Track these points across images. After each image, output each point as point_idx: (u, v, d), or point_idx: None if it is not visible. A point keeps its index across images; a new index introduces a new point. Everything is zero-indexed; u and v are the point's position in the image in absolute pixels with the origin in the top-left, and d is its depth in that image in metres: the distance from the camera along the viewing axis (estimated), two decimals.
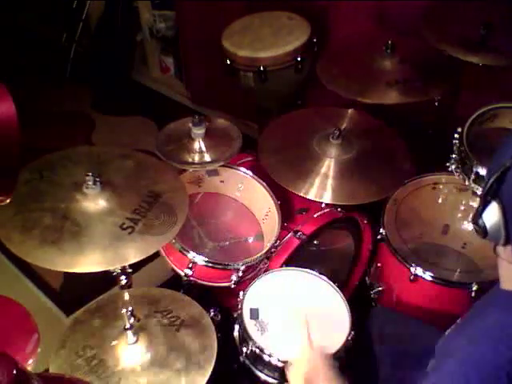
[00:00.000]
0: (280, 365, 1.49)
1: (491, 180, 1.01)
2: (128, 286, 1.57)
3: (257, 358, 1.54)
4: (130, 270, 1.54)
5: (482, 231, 1.06)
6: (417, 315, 1.84)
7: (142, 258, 1.42)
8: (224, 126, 2.08)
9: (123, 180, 1.56)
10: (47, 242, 1.36)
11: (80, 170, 1.53)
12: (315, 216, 1.96)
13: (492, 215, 1.03)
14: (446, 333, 1.24)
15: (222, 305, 1.87)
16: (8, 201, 1.22)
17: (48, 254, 1.35)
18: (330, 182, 1.86)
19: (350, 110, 2.11)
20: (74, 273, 1.37)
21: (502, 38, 1.97)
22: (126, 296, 1.44)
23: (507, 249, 1.06)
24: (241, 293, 1.65)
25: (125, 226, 1.44)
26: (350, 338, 1.54)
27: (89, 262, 1.38)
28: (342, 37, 2.57)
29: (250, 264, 1.80)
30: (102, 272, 1.39)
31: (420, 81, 2.09)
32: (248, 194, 2.09)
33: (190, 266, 1.78)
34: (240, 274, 1.80)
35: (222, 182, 2.10)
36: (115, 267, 1.42)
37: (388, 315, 1.77)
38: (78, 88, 3.68)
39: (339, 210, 1.97)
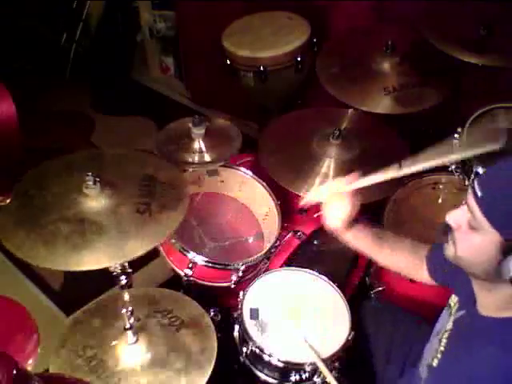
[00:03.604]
0: (280, 365, 1.49)
1: None
2: (128, 285, 1.57)
3: (257, 358, 1.54)
4: (129, 270, 1.54)
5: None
6: (416, 315, 1.84)
7: (172, 230, 1.43)
8: (224, 126, 2.08)
9: (114, 173, 1.55)
10: (79, 247, 1.35)
11: (67, 176, 1.52)
12: (315, 216, 1.96)
13: None
14: (434, 364, 1.24)
15: (222, 305, 1.87)
16: (8, 201, 1.22)
17: (88, 256, 1.34)
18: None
19: (350, 110, 2.11)
20: (74, 273, 1.36)
21: (502, 38, 1.97)
22: (126, 296, 1.44)
23: None
24: (241, 293, 1.65)
25: (141, 210, 1.44)
26: (350, 338, 1.54)
27: (131, 249, 1.36)
28: (341, 36, 2.57)
29: (249, 264, 1.80)
30: (102, 271, 1.39)
31: (418, 86, 2.09)
32: (248, 194, 2.09)
33: (190, 265, 1.78)
34: (240, 274, 1.80)
35: (222, 181, 2.10)
36: (157, 244, 1.43)
37: (378, 309, 1.77)
38: (78, 88, 3.67)
39: None
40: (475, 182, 1.06)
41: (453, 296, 1.29)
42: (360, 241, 1.53)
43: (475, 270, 1.10)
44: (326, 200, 1.49)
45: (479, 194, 1.03)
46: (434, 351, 1.24)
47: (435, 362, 1.23)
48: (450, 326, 1.23)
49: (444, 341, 1.22)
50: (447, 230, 1.15)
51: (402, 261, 1.50)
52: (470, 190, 1.06)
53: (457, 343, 1.19)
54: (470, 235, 1.06)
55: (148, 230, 1.40)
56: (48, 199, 1.46)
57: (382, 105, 2.06)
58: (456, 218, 1.11)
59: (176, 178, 1.61)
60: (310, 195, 1.57)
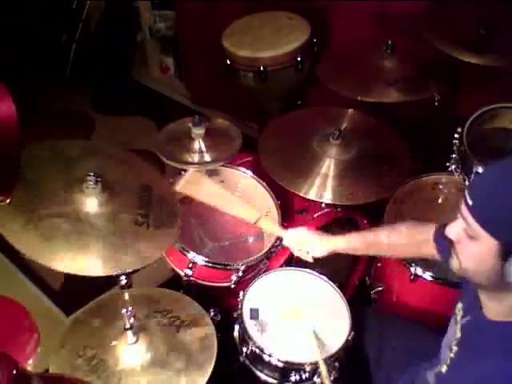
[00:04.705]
0: (280, 365, 1.49)
1: None
2: (128, 286, 1.57)
3: (257, 358, 1.54)
4: (129, 270, 1.54)
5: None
6: (417, 315, 1.84)
7: (168, 244, 1.49)
8: (224, 126, 2.08)
9: (114, 177, 1.56)
10: (77, 249, 1.36)
11: (62, 165, 1.52)
12: (315, 216, 1.96)
13: None
14: (443, 370, 1.24)
15: (222, 305, 1.87)
16: (8, 201, 1.22)
17: (84, 261, 1.36)
18: (329, 182, 1.86)
19: (349, 110, 2.11)
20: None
21: (502, 38, 1.97)
22: (126, 296, 1.44)
23: None
24: (241, 293, 1.65)
25: (139, 222, 1.46)
26: (350, 338, 1.54)
27: (127, 261, 1.38)
28: (342, 37, 2.57)
29: (249, 264, 1.80)
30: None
31: (419, 79, 2.09)
32: (248, 194, 2.09)
33: (190, 266, 1.78)
34: (240, 273, 1.80)
35: (222, 181, 2.10)
36: (158, 258, 1.46)
37: (378, 319, 1.77)
38: (78, 88, 3.67)
39: (339, 209, 1.97)
40: (465, 192, 1.07)
41: (458, 304, 1.29)
42: (353, 251, 1.60)
43: (481, 279, 1.10)
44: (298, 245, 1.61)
45: (470, 202, 1.05)
46: (444, 359, 1.25)
47: (444, 369, 1.23)
48: (458, 334, 1.22)
49: (454, 348, 1.21)
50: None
51: (403, 251, 1.54)
52: (462, 201, 1.07)
53: (466, 349, 1.18)
54: (470, 245, 1.07)
55: (145, 244, 1.42)
56: (46, 187, 1.45)
57: (386, 95, 2.06)
58: (454, 230, 1.12)
59: (169, 194, 1.64)
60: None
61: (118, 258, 1.37)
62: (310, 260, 1.59)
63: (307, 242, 1.58)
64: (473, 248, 1.06)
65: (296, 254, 1.62)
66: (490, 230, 1.01)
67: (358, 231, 1.61)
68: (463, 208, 1.06)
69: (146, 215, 1.47)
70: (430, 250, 1.44)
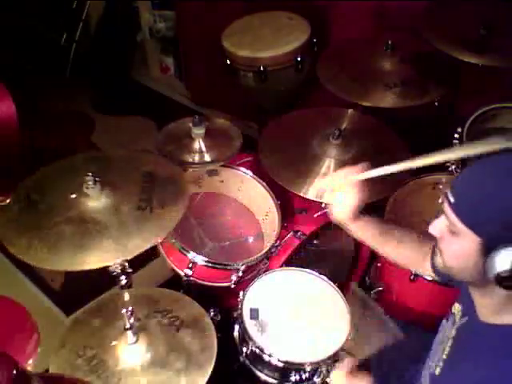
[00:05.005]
0: (280, 365, 1.49)
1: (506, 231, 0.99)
2: (128, 285, 1.57)
3: (257, 358, 1.54)
4: (130, 270, 1.54)
5: (499, 281, 1.03)
6: (416, 315, 1.84)
7: (174, 225, 1.46)
8: (224, 126, 2.08)
9: (114, 173, 1.57)
10: (83, 247, 1.37)
11: (65, 179, 1.55)
12: (315, 216, 1.96)
13: (506, 260, 1.01)
14: (437, 373, 1.24)
15: (222, 305, 1.88)
16: (8, 201, 1.22)
17: (92, 255, 1.36)
18: None
19: (349, 110, 2.11)
20: (74, 273, 1.37)
21: (502, 38, 1.97)
22: (126, 296, 1.44)
23: None
24: (241, 293, 1.65)
25: (143, 207, 1.47)
26: (349, 338, 1.54)
27: (134, 245, 1.39)
28: (342, 37, 2.58)
29: (249, 264, 1.80)
30: (102, 271, 1.39)
31: (419, 83, 2.09)
32: (248, 194, 2.09)
33: (190, 266, 1.78)
34: (240, 273, 1.80)
35: (221, 181, 2.10)
36: (159, 240, 1.46)
37: None
38: (78, 88, 3.68)
39: None
40: (448, 190, 1.08)
41: (456, 304, 1.29)
42: (366, 232, 1.50)
43: (465, 276, 1.11)
44: (337, 188, 1.46)
45: (452, 200, 1.06)
46: (437, 360, 1.24)
47: (437, 371, 1.23)
48: (453, 333, 1.22)
49: (447, 349, 1.22)
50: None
51: (407, 255, 1.48)
52: (444, 198, 1.08)
53: (458, 351, 1.19)
54: (452, 242, 1.08)
55: (150, 225, 1.43)
56: (50, 202, 1.47)
57: (383, 99, 2.06)
58: (437, 226, 1.13)
59: (175, 174, 1.63)
60: (321, 183, 1.52)
61: (124, 245, 1.38)
62: (328, 201, 1.47)
63: (349, 187, 1.45)
64: (455, 245, 1.08)
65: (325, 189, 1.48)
66: (472, 226, 1.03)
67: (386, 222, 1.54)
68: (446, 206, 1.08)
69: (149, 200, 1.49)
70: (424, 266, 1.43)
